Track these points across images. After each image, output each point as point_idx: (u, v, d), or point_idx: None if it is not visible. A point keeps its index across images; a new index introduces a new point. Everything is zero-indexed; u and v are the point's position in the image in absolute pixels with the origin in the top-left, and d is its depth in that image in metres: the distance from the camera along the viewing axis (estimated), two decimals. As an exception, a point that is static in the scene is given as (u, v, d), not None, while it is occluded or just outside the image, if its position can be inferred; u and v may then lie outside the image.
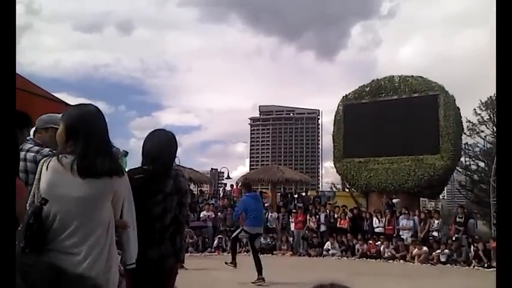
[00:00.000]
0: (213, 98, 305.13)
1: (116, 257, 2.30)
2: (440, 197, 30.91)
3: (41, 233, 2.15)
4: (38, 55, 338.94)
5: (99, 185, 2.18)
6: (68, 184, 2.18)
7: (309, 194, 20.93)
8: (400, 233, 14.69)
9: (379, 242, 14.31)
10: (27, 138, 3.44)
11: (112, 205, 2.26)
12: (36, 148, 3.32)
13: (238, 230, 9.03)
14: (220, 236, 15.27)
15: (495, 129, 28.46)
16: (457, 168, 22.40)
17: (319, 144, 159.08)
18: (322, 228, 15.65)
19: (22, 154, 3.26)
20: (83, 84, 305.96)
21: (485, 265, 12.28)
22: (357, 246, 14.48)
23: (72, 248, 2.15)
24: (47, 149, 3.32)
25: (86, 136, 2.28)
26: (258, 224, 8.85)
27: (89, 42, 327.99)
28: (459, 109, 18.62)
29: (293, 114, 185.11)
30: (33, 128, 3.55)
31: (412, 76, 19.19)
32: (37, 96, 4.66)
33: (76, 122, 2.31)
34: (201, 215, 16.25)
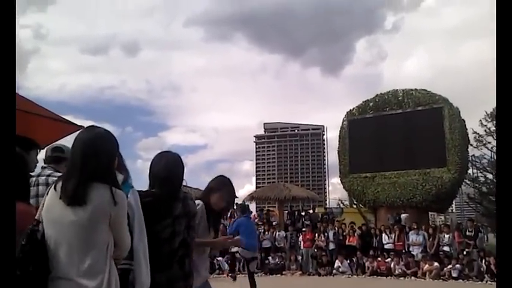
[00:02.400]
0: (218, 117, 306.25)
1: (117, 285, 2.23)
2: (449, 210, 30.57)
3: (37, 256, 2.12)
4: (45, 79, 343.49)
5: (89, 210, 2.14)
6: (59, 209, 2.18)
7: (316, 211, 20.73)
8: (410, 249, 14.50)
9: (389, 259, 14.11)
10: (44, 166, 3.57)
11: (111, 229, 2.21)
12: (58, 174, 3.38)
13: (248, 265, 8.68)
14: (228, 255, 15.12)
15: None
16: (465, 180, 22.21)
17: (325, 160, 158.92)
18: (331, 246, 15.48)
19: (42, 179, 3.44)
20: (89, 106, 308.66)
21: (499, 279, 12.05)
22: (366, 264, 14.28)
23: (68, 273, 2.12)
24: (59, 173, 3.38)
25: (70, 163, 2.30)
26: (252, 249, 8.60)
27: (95, 64, 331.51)
28: (464, 121, 18.54)
29: (298, 130, 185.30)
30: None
31: (416, 89, 19.17)
32: (44, 117, 4.72)
33: (71, 147, 2.32)
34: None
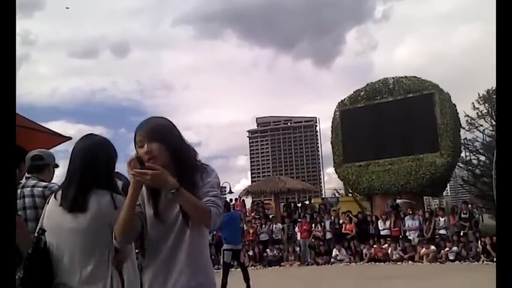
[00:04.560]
0: (211, 114, 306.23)
1: None
2: (444, 194, 30.80)
3: (42, 264, 2.15)
4: (36, 84, 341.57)
5: (89, 216, 2.17)
6: (60, 216, 2.21)
7: (313, 201, 20.84)
8: (407, 234, 14.62)
9: (386, 245, 14.23)
10: (28, 176, 3.44)
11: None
12: (43, 183, 3.35)
13: (223, 254, 9.18)
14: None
15: (493, 122, 28.53)
16: (458, 164, 22.39)
17: (319, 151, 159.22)
18: (328, 235, 15.58)
19: (28, 190, 3.29)
20: (81, 110, 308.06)
21: (494, 259, 12.21)
22: (364, 251, 14.39)
23: (70, 280, 2.15)
24: (54, 184, 3.36)
25: (69, 171, 2.32)
26: (237, 242, 9.44)
27: (85, 68, 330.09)
28: (455, 105, 18.67)
29: (290, 123, 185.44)
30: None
31: (406, 77, 19.26)
32: (30, 129, 4.66)
33: (70, 155, 2.35)
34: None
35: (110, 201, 2.20)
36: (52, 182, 3.49)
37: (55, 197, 2.27)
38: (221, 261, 9.29)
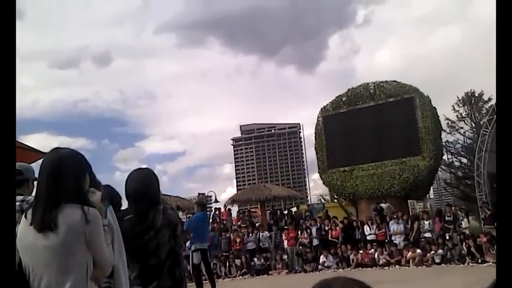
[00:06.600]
0: (196, 122, 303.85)
1: None
2: (427, 197, 31.15)
3: (18, 285, 2.11)
4: (16, 96, 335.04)
5: (61, 233, 2.12)
6: (32, 236, 2.16)
7: (300, 208, 20.86)
8: (392, 238, 14.71)
9: (372, 250, 14.29)
10: None
11: (88, 249, 2.18)
12: (20, 197, 3.28)
13: (192, 256, 9.17)
14: (214, 262, 15.07)
15: (473, 124, 29.03)
16: (440, 166, 22.66)
17: (303, 157, 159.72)
18: (315, 242, 15.59)
19: None
20: (63, 121, 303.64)
21: (479, 261, 12.35)
22: (351, 257, 14.43)
23: None
24: (31, 197, 3.28)
25: (37, 188, 2.29)
26: (205, 241, 9.62)
27: (66, 78, 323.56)
28: (436, 109, 18.90)
29: (274, 130, 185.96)
30: None
31: (387, 81, 19.44)
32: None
33: (38, 172, 2.31)
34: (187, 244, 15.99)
35: (81, 216, 2.14)
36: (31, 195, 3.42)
37: (25, 216, 2.22)
38: (190, 264, 9.18)
